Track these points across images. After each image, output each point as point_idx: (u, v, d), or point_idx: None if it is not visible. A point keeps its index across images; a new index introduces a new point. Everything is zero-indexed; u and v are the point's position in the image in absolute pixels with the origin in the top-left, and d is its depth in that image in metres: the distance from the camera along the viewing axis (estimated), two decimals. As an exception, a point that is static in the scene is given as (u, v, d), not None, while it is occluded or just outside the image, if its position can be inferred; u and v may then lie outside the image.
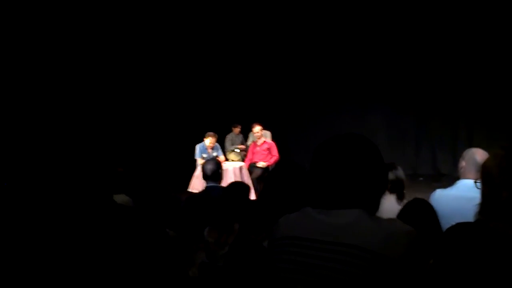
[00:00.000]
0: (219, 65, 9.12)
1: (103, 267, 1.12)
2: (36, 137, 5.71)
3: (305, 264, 1.02)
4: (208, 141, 6.34)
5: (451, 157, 7.99)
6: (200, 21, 8.33)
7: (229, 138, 7.74)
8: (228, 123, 7.88)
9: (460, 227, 1.18)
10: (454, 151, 7.86)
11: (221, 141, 6.99)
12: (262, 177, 6.25)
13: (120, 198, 2.59)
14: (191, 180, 6.21)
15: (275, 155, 6.50)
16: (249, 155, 6.65)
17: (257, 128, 6.47)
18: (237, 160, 6.91)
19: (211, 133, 6.38)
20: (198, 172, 6.03)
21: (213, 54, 8.94)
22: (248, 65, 9.19)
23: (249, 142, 7.48)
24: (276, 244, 1.11)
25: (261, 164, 6.44)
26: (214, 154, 6.34)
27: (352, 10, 8.17)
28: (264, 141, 6.56)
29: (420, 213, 1.98)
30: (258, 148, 6.55)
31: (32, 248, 1.14)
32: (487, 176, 1.17)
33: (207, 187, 3.26)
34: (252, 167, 6.49)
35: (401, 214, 2.03)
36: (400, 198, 2.52)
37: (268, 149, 6.51)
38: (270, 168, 6.45)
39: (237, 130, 7.72)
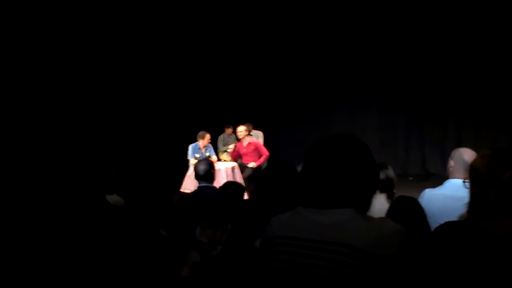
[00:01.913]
0: (212, 66, 9.10)
1: (95, 267, 1.12)
2: (29, 137, 5.65)
3: (297, 264, 1.02)
4: (201, 142, 6.32)
5: (440, 157, 8.07)
6: (192, 23, 8.31)
7: (221, 138, 7.74)
8: (220, 124, 7.87)
9: (449, 226, 1.21)
10: (443, 151, 7.94)
11: (213, 142, 6.97)
12: (253, 177, 6.24)
13: (113, 198, 2.58)
14: (183, 180, 6.19)
15: (264, 153, 6.45)
16: (236, 152, 6.62)
17: (240, 128, 6.42)
18: (229, 160, 6.90)
19: (201, 132, 6.35)
20: (190, 172, 6.01)
21: (206, 55, 8.91)
22: (240, 66, 9.17)
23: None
24: (269, 243, 1.12)
25: (251, 164, 6.42)
26: (207, 154, 6.32)
27: (343, 11, 8.21)
28: (249, 142, 6.50)
29: (408, 211, 2.01)
30: (245, 150, 6.50)
31: (24, 247, 1.13)
32: (475, 176, 1.19)
33: (199, 187, 3.26)
34: (242, 167, 6.48)
35: (389, 212, 2.05)
36: (390, 197, 2.54)
37: (255, 149, 6.48)
38: (262, 166, 6.45)
39: (229, 130, 7.72)
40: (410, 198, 2.10)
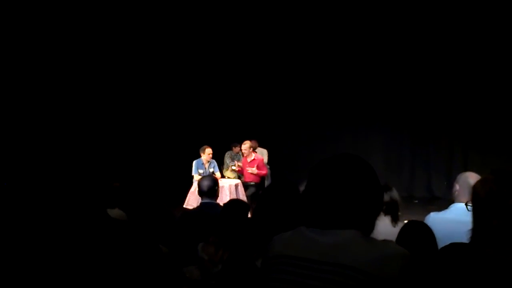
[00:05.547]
0: (219, 84, 9.18)
1: (95, 283, 1.11)
2: (30, 145, 5.67)
3: (298, 284, 1.01)
4: (203, 156, 6.32)
5: (446, 180, 8.01)
6: (198, 37, 8.40)
7: (228, 155, 7.74)
8: (226, 141, 7.88)
9: (452, 250, 1.19)
10: (449, 174, 7.89)
11: (220, 158, 6.96)
12: (256, 195, 6.20)
13: (114, 212, 2.58)
14: (187, 196, 6.17)
15: (263, 169, 6.44)
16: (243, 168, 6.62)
17: (245, 144, 6.44)
18: (233, 177, 6.89)
19: (202, 146, 6.35)
20: (194, 188, 5.99)
21: (213, 72, 9.01)
22: (247, 84, 9.26)
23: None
24: (270, 263, 1.10)
25: (251, 170, 6.40)
26: (211, 170, 6.31)
27: (350, 31, 8.29)
28: (254, 159, 6.46)
29: (419, 236, 1.97)
30: (248, 166, 6.49)
31: (21, 259, 1.12)
32: (476, 201, 1.17)
33: (202, 203, 3.23)
34: (246, 185, 6.46)
35: (399, 237, 2.01)
36: (394, 220, 2.50)
37: (257, 166, 6.44)
38: (266, 184, 6.40)
39: (236, 149, 7.72)
40: (420, 223, 2.05)
